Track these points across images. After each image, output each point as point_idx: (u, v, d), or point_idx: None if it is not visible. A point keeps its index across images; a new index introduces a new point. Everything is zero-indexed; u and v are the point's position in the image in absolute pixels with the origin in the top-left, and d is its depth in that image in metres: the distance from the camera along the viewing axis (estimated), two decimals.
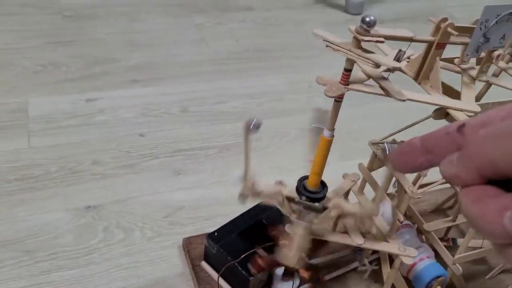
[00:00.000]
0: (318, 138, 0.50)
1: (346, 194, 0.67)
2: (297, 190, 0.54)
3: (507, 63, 0.55)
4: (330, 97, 0.45)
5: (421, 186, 0.60)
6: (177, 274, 0.69)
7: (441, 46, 0.47)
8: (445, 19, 0.46)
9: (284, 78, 1.18)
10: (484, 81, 0.52)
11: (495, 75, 0.55)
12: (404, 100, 0.45)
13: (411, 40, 0.45)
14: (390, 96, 0.45)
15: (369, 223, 0.57)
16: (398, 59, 0.47)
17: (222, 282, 0.65)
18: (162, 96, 1.06)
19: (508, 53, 0.52)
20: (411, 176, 0.58)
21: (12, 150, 0.86)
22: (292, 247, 0.53)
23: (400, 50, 0.47)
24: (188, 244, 0.71)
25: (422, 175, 0.56)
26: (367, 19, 0.41)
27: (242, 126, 0.46)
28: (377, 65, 0.44)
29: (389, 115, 0.97)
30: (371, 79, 0.49)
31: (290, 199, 0.54)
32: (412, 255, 0.57)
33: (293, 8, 1.55)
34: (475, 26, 0.47)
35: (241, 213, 0.68)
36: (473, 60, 0.52)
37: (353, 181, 0.65)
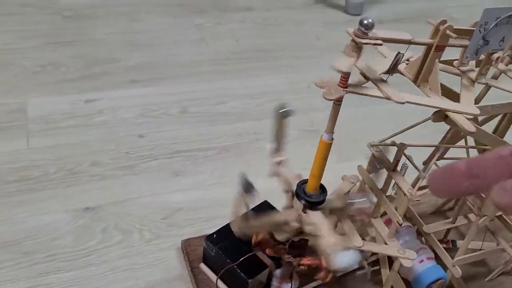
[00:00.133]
0: (285, 122, 0.53)
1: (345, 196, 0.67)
2: (297, 194, 0.53)
3: (507, 65, 0.54)
4: (328, 100, 0.45)
5: (420, 188, 0.60)
6: (175, 277, 0.69)
7: (440, 48, 0.47)
8: (444, 22, 0.45)
9: (284, 78, 1.18)
10: (484, 84, 0.51)
11: (495, 77, 0.55)
12: (403, 103, 0.45)
13: (409, 42, 0.45)
14: (388, 99, 0.45)
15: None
16: (397, 61, 0.47)
17: (220, 284, 0.65)
18: (162, 96, 1.06)
19: (508, 55, 0.52)
20: (410, 178, 0.57)
21: (11, 151, 0.86)
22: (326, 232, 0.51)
23: (398, 53, 0.47)
24: (186, 246, 0.71)
25: (421, 178, 0.56)
26: (365, 21, 0.41)
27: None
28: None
29: (389, 117, 0.97)
30: (370, 81, 0.48)
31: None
32: (411, 257, 0.57)
33: (293, 8, 1.55)
34: (474, 28, 0.46)
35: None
36: (472, 63, 0.52)
37: (352, 183, 0.65)
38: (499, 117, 0.62)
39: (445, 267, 0.63)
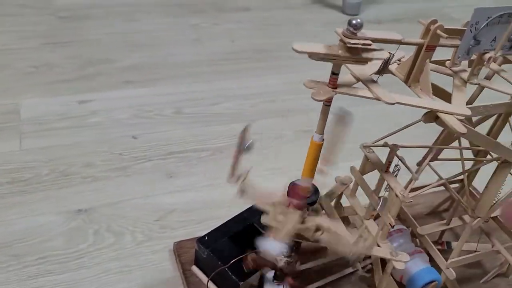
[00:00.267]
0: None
1: (338, 197, 0.66)
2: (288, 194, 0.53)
3: (500, 65, 0.54)
4: (317, 100, 0.44)
5: (413, 190, 0.59)
6: (167, 279, 0.68)
7: (431, 48, 0.46)
8: (434, 21, 0.45)
9: (281, 79, 1.17)
10: (475, 84, 0.51)
11: (488, 77, 0.54)
12: (393, 104, 0.44)
13: (400, 42, 0.44)
14: (378, 100, 0.45)
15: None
16: (387, 62, 0.46)
17: (212, 286, 0.64)
18: (156, 97, 1.05)
19: (501, 55, 0.51)
20: (403, 180, 0.57)
21: (4, 152, 0.86)
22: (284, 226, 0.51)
23: (389, 53, 0.46)
24: (178, 248, 0.70)
25: (413, 179, 0.55)
26: (354, 21, 0.40)
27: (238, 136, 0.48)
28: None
29: (381, 118, 0.96)
30: (360, 82, 0.48)
31: None
32: (404, 259, 0.56)
33: (290, 9, 1.54)
34: (465, 28, 0.46)
35: (232, 216, 0.68)
36: (464, 63, 0.51)
37: (345, 184, 0.65)
38: (493, 118, 0.61)
39: (439, 269, 0.63)
